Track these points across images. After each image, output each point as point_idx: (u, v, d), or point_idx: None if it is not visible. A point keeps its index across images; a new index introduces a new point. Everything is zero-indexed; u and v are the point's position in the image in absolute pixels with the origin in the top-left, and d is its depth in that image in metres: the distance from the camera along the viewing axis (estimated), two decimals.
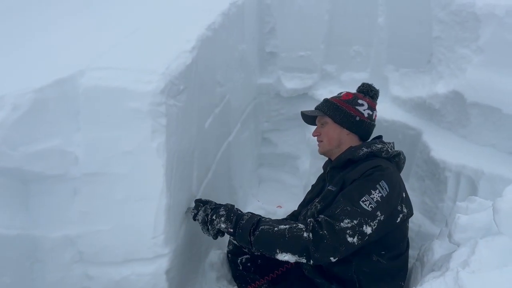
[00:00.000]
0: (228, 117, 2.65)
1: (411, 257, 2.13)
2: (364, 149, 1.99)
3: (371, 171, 1.84)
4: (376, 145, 2.01)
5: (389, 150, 2.01)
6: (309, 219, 1.82)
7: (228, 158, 2.74)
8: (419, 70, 2.93)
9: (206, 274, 2.33)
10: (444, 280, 1.50)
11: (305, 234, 1.73)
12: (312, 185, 2.37)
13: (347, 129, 2.10)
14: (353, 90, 2.28)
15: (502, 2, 2.21)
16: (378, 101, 2.25)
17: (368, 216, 1.73)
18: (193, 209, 2.00)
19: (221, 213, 1.90)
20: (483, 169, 2.31)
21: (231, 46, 2.54)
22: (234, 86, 2.67)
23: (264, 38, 3.26)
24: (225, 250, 2.52)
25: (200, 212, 1.95)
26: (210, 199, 2.04)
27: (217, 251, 2.49)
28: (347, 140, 2.11)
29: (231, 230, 1.86)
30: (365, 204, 1.74)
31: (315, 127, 2.27)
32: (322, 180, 2.27)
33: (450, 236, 1.76)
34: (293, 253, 1.74)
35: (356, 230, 1.71)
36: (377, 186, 1.78)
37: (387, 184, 1.79)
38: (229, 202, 2.02)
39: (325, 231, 1.71)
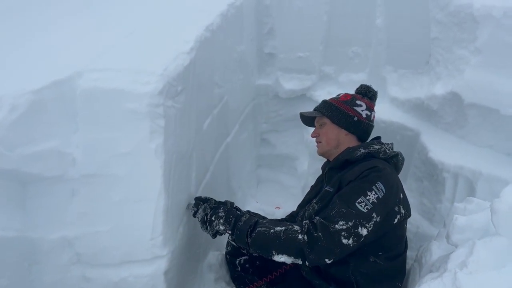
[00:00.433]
0: (227, 118, 2.65)
1: (409, 258, 2.13)
2: (362, 149, 1.99)
3: (367, 172, 1.84)
4: (374, 145, 2.01)
5: (387, 151, 2.00)
6: (304, 221, 1.82)
7: (227, 159, 2.74)
8: (417, 71, 2.94)
9: (204, 276, 2.33)
10: (442, 281, 1.51)
11: (300, 236, 1.74)
12: (311, 186, 2.37)
13: (345, 129, 2.11)
14: (352, 91, 2.28)
15: (499, 3, 2.21)
16: (376, 102, 2.26)
17: (363, 218, 1.73)
18: (193, 207, 2.02)
19: (220, 214, 1.92)
20: (481, 170, 2.31)
21: (230, 47, 2.54)
22: (233, 87, 2.67)
23: (263, 39, 3.27)
24: (224, 251, 2.52)
25: (200, 211, 1.98)
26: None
27: (215, 252, 2.49)
28: (346, 140, 2.12)
29: (230, 232, 1.89)
30: (361, 206, 1.74)
31: (314, 128, 2.28)
32: (320, 181, 2.27)
33: (448, 237, 1.76)
34: (289, 255, 1.76)
35: (351, 232, 1.71)
36: (373, 187, 1.78)
37: (383, 185, 1.79)
38: None
39: (320, 233, 1.71)
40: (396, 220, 1.84)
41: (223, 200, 2.07)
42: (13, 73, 1.64)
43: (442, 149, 2.56)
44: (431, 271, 1.78)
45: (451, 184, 2.45)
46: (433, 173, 2.57)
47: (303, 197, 2.37)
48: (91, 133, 1.59)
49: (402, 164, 2.12)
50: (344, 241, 1.70)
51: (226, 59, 2.49)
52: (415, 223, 2.62)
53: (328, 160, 2.22)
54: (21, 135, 1.47)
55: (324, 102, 2.21)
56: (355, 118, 2.10)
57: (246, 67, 2.98)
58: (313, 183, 2.40)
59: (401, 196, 1.88)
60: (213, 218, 1.92)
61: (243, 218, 1.90)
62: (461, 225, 1.72)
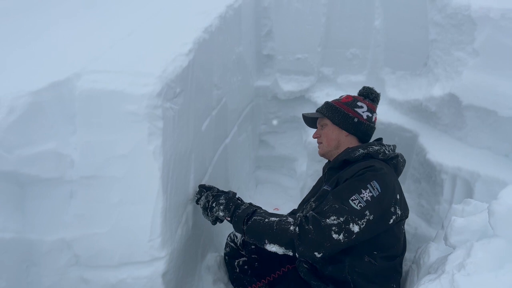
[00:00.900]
0: (225, 120, 2.65)
1: (407, 259, 2.13)
2: (361, 150, 2.01)
3: (363, 171, 1.86)
4: (373, 146, 2.02)
5: (386, 152, 2.01)
6: (298, 214, 1.85)
7: (225, 160, 2.74)
8: (416, 72, 2.94)
9: (202, 277, 2.33)
10: (440, 283, 1.51)
11: (291, 228, 1.78)
12: (313, 186, 2.38)
13: (345, 130, 2.13)
14: (351, 92, 2.30)
15: (497, 5, 2.21)
16: None
17: (355, 215, 1.74)
18: (196, 194, 2.09)
19: (221, 201, 1.99)
20: (479, 171, 2.32)
21: (228, 49, 2.54)
22: (231, 89, 2.67)
23: (261, 41, 3.27)
24: (222, 253, 2.52)
25: (203, 198, 2.05)
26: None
27: (214, 254, 2.49)
28: (346, 141, 2.14)
29: (228, 219, 1.96)
30: (354, 203, 1.76)
31: (313, 130, 2.29)
32: (320, 181, 2.28)
33: (446, 238, 1.76)
34: (280, 245, 1.80)
35: (342, 228, 1.72)
36: (368, 185, 1.79)
37: (379, 185, 1.80)
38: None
39: (311, 226, 1.74)
40: (391, 221, 1.84)
41: (226, 190, 2.12)
42: (11, 74, 1.63)
43: (440, 150, 2.57)
44: (429, 273, 1.78)
45: (449, 185, 2.45)
46: (431, 174, 2.58)
47: (302, 198, 2.38)
48: (89, 135, 1.59)
49: (403, 166, 2.14)
50: (335, 236, 1.72)
51: (225, 60, 2.49)
52: (413, 225, 2.63)
53: (329, 161, 2.23)
54: (19, 136, 1.47)
55: (326, 103, 2.23)
56: (355, 119, 2.11)
57: (245, 69, 2.98)
58: (311, 185, 2.41)
59: (398, 197, 1.88)
60: (214, 205, 1.99)
61: (242, 207, 1.96)
62: (459, 227, 1.72)
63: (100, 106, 1.57)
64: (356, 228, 1.74)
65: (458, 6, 2.39)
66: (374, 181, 1.80)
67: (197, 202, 2.09)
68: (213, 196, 2.03)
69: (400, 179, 2.06)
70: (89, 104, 1.57)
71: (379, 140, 2.16)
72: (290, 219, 1.82)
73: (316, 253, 1.75)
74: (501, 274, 1.44)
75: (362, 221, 1.74)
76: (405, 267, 2.08)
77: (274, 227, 1.81)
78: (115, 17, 2.29)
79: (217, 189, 2.11)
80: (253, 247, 2.34)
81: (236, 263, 2.38)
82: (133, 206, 1.66)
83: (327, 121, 2.18)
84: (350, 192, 1.79)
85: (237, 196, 2.09)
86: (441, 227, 2.06)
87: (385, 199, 1.81)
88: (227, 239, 2.46)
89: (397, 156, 2.07)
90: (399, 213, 1.87)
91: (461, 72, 2.40)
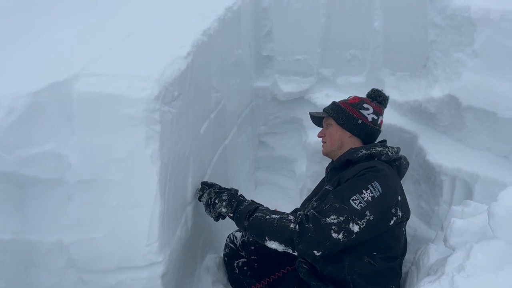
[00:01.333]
0: (224, 122, 2.64)
1: (406, 261, 2.13)
2: (364, 151, 2.01)
3: (364, 171, 1.86)
4: (376, 147, 2.03)
5: (389, 154, 2.02)
6: (299, 212, 1.86)
7: (225, 161, 2.74)
8: (415, 74, 2.94)
9: (202, 278, 2.33)
10: (440, 284, 1.51)
11: (291, 225, 1.79)
12: (315, 186, 2.39)
13: (349, 131, 2.15)
14: (353, 93, 2.31)
15: (497, 6, 2.21)
16: None
17: (355, 215, 1.75)
18: (199, 191, 2.12)
19: (223, 197, 2.02)
20: (478, 172, 2.31)
21: (227, 51, 2.54)
22: (230, 91, 2.67)
23: (261, 42, 3.27)
24: (221, 254, 2.52)
25: (205, 194, 2.08)
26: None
27: (213, 255, 2.49)
28: (349, 142, 2.15)
29: (231, 215, 1.98)
30: (355, 203, 1.76)
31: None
32: (323, 181, 2.29)
33: (445, 240, 1.76)
34: (280, 242, 1.81)
35: (342, 227, 1.73)
36: (369, 186, 1.80)
37: (380, 185, 1.81)
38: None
39: (311, 224, 1.75)
40: (392, 222, 1.84)
41: (228, 187, 2.14)
42: (11, 74, 1.63)
43: (440, 151, 2.57)
44: (428, 274, 1.78)
45: (449, 186, 2.45)
46: (430, 175, 2.57)
47: (302, 198, 2.38)
48: (86, 138, 1.59)
49: (406, 168, 2.14)
50: (334, 235, 1.72)
51: (224, 63, 2.49)
52: (413, 226, 2.62)
53: (332, 161, 2.24)
54: (18, 137, 1.47)
55: (333, 103, 2.25)
56: (359, 121, 2.13)
57: (244, 70, 2.98)
58: (311, 185, 2.42)
59: (399, 199, 1.89)
60: (216, 201, 2.02)
61: (245, 203, 1.99)
62: (458, 228, 1.72)
63: (97, 109, 1.57)
64: (356, 228, 1.74)
65: (457, 8, 2.38)
66: (375, 182, 1.81)
67: (200, 199, 2.11)
68: (215, 193, 2.06)
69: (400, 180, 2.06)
70: (86, 107, 1.57)
71: (383, 142, 2.17)
72: (291, 217, 1.83)
73: (315, 252, 1.76)
74: (501, 275, 1.44)
75: (362, 221, 1.75)
76: (404, 269, 2.08)
77: (274, 224, 1.82)
78: (114, 19, 2.29)
79: (219, 186, 2.14)
80: (252, 248, 2.34)
81: (235, 264, 2.38)
82: (130, 210, 1.66)
83: (332, 121, 2.21)
84: (351, 192, 1.80)
85: (239, 193, 2.10)
86: (441, 229, 2.06)
87: (386, 200, 1.81)
88: (226, 240, 2.46)
89: (400, 158, 2.07)
90: (400, 215, 1.87)
91: (461, 74, 2.40)
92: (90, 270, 1.71)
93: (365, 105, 2.16)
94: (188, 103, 1.92)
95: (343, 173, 1.97)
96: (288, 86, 3.38)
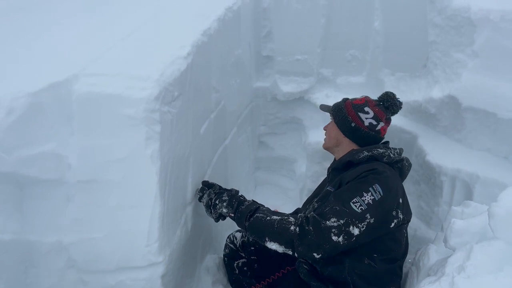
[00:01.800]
0: (224, 122, 2.64)
1: (406, 261, 2.12)
2: (365, 152, 2.00)
3: (366, 173, 1.85)
4: (378, 149, 2.01)
5: (391, 155, 2.00)
6: (299, 214, 1.86)
7: (225, 162, 2.74)
8: (415, 74, 2.94)
9: (201, 279, 2.33)
10: (440, 285, 1.51)
11: (292, 228, 1.79)
12: (317, 187, 2.38)
13: (342, 132, 2.12)
14: (349, 94, 2.29)
15: (496, 7, 2.21)
16: None
17: (356, 218, 1.74)
18: (198, 192, 2.12)
19: (224, 198, 2.02)
20: (478, 173, 2.32)
21: (227, 51, 2.54)
22: (230, 91, 2.67)
23: (261, 42, 3.27)
24: (221, 254, 2.52)
25: (205, 195, 2.07)
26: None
27: (213, 255, 2.49)
28: (345, 142, 2.13)
29: (232, 215, 1.98)
30: (355, 206, 1.76)
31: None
32: (325, 182, 2.28)
33: (445, 241, 1.76)
34: (280, 244, 1.82)
35: (342, 230, 1.73)
36: (370, 189, 1.79)
37: (381, 188, 1.79)
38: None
39: (311, 227, 1.75)
40: (393, 224, 1.84)
41: (228, 188, 2.15)
42: (11, 75, 1.63)
43: (440, 152, 2.57)
44: (428, 275, 1.78)
45: (449, 187, 2.45)
46: (430, 176, 2.58)
47: (302, 199, 2.38)
48: (86, 139, 1.59)
49: (408, 170, 2.11)
50: (334, 238, 1.72)
51: (224, 63, 2.49)
52: (413, 226, 2.62)
53: (334, 160, 2.23)
54: (18, 137, 1.47)
55: (341, 100, 2.20)
56: (353, 124, 2.06)
57: (244, 70, 2.98)
58: (311, 186, 2.41)
59: (400, 201, 1.87)
60: (217, 202, 2.02)
61: (246, 203, 1.99)
62: (458, 229, 1.72)
63: (97, 109, 1.57)
64: (356, 231, 1.74)
65: (457, 8, 2.39)
66: (376, 184, 1.80)
67: (200, 199, 2.11)
68: (215, 193, 2.06)
69: None
70: (86, 107, 1.57)
71: (386, 143, 2.13)
72: (291, 219, 1.83)
73: (315, 254, 1.76)
74: (501, 276, 1.44)
75: (362, 224, 1.74)
76: (404, 269, 2.08)
77: (275, 226, 1.82)
78: (114, 19, 2.29)
79: (219, 186, 2.14)
80: (252, 248, 2.34)
81: (235, 264, 2.38)
82: (130, 210, 1.65)
83: (332, 118, 2.20)
84: (351, 195, 1.79)
85: (240, 194, 2.10)
86: (441, 229, 2.05)
87: (387, 203, 1.81)
88: (226, 241, 2.46)
89: (402, 160, 2.05)
90: (401, 217, 1.86)
91: (461, 74, 2.40)
92: (90, 271, 1.71)
93: (366, 109, 2.07)
94: (188, 103, 1.92)
95: (344, 175, 1.97)
96: (288, 86, 3.38)
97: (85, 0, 2.60)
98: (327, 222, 1.74)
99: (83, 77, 1.60)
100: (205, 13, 2.32)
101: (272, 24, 3.20)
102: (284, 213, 1.93)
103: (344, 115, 2.10)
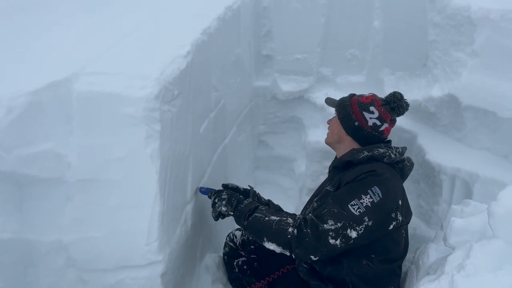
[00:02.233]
0: (224, 121, 2.64)
1: (406, 260, 2.12)
2: (366, 152, 1.96)
3: (364, 175, 1.82)
4: (379, 149, 1.96)
5: (392, 156, 1.95)
6: (298, 216, 1.86)
7: (224, 161, 2.74)
8: (415, 73, 2.95)
9: (201, 278, 2.33)
10: (439, 284, 1.51)
11: (290, 229, 1.78)
12: (319, 185, 2.37)
13: (344, 130, 2.07)
14: (348, 93, 2.28)
15: (496, 6, 2.21)
16: None
17: (354, 220, 1.73)
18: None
19: (223, 196, 2.02)
20: (478, 172, 2.32)
21: (227, 50, 2.54)
22: (230, 90, 2.67)
23: (261, 41, 3.27)
24: (221, 253, 2.52)
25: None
26: (205, 202, 2.07)
27: (212, 254, 2.49)
28: (347, 140, 2.08)
29: (231, 213, 1.98)
30: (353, 208, 1.73)
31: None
32: (326, 180, 2.27)
33: (445, 239, 1.76)
34: (278, 244, 1.81)
35: (340, 233, 1.72)
36: (369, 191, 1.76)
37: (380, 190, 1.77)
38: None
39: (309, 230, 1.74)
40: (391, 226, 1.82)
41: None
42: (10, 74, 1.63)
43: (439, 151, 2.57)
44: (428, 274, 1.78)
45: (448, 186, 2.46)
46: (430, 175, 2.58)
47: (301, 198, 2.37)
48: (86, 138, 1.59)
49: (410, 169, 2.07)
50: (331, 241, 1.71)
51: (224, 62, 2.48)
52: (413, 225, 2.62)
53: (335, 158, 2.21)
54: (18, 136, 1.47)
55: (348, 95, 2.14)
56: (356, 123, 2.02)
57: (244, 69, 2.98)
58: (310, 185, 2.41)
59: (400, 203, 1.85)
60: (216, 200, 2.03)
61: (245, 201, 1.98)
62: (458, 228, 1.72)
63: (97, 108, 1.56)
64: (353, 234, 1.73)
65: (457, 7, 2.39)
66: (375, 187, 1.77)
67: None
68: (216, 192, 2.08)
69: None
70: (86, 106, 1.57)
71: (388, 142, 2.07)
72: (290, 220, 1.82)
73: (312, 257, 1.76)
74: (501, 275, 1.44)
75: (360, 227, 1.73)
76: (404, 268, 2.08)
77: (273, 227, 1.81)
78: (114, 19, 2.28)
79: (237, 186, 2.21)
80: (252, 247, 2.34)
81: (235, 263, 2.38)
82: (130, 209, 1.65)
83: (336, 114, 2.15)
84: (349, 197, 1.77)
85: (257, 193, 2.17)
86: (440, 228, 2.06)
87: (386, 205, 1.79)
88: (226, 239, 2.46)
89: (403, 160, 2.00)
90: (400, 219, 1.85)
91: (461, 73, 2.40)
92: (89, 270, 1.71)
93: (371, 108, 2.00)
94: (188, 102, 1.92)
95: (343, 174, 1.95)
96: (287, 86, 3.38)
97: (85, 0, 2.60)
98: (325, 225, 1.72)
99: (83, 76, 1.60)
100: (205, 12, 2.32)
101: (272, 23, 3.20)
102: (283, 214, 1.92)
103: (349, 112, 2.04)
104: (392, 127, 2.09)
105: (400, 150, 2.05)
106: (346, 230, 1.72)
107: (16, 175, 1.50)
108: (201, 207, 2.23)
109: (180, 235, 1.98)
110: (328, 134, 2.20)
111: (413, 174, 2.74)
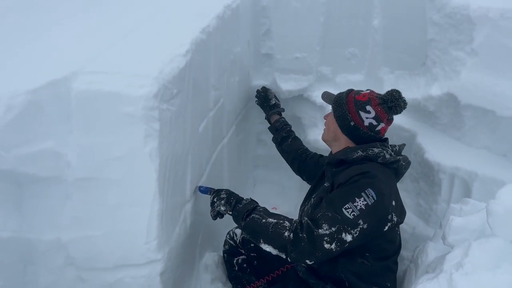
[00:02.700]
0: (223, 120, 2.64)
1: (405, 258, 2.13)
2: (360, 152, 1.93)
3: (357, 177, 1.80)
4: (373, 149, 1.92)
5: (387, 156, 1.92)
6: (294, 220, 1.85)
7: (223, 160, 2.74)
8: (414, 72, 2.94)
9: (200, 276, 2.33)
10: (438, 282, 1.52)
11: (286, 233, 1.77)
12: (316, 180, 2.36)
13: (340, 128, 2.04)
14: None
15: (496, 5, 2.22)
16: None
17: (348, 224, 1.71)
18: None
19: (222, 196, 2.02)
20: (477, 171, 2.32)
21: (226, 49, 2.54)
22: (229, 89, 2.67)
23: (260, 40, 3.26)
24: (220, 252, 2.52)
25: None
26: (204, 201, 2.07)
27: (212, 253, 2.50)
28: (342, 138, 2.05)
29: (230, 213, 1.98)
30: (347, 212, 1.72)
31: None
32: (319, 177, 2.26)
33: (444, 238, 1.77)
34: (274, 247, 1.81)
35: (334, 238, 1.71)
36: (363, 194, 1.74)
37: (374, 192, 1.74)
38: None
39: (304, 235, 1.73)
40: (386, 228, 1.81)
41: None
42: (10, 73, 1.63)
43: (439, 150, 2.57)
44: (427, 272, 1.79)
45: (447, 185, 2.46)
46: (429, 174, 2.58)
47: (300, 197, 2.37)
48: (85, 137, 1.59)
49: (406, 168, 2.04)
50: (327, 246, 1.71)
51: (223, 61, 2.48)
52: (411, 224, 2.63)
53: (330, 153, 2.19)
54: (17, 135, 1.47)
55: (346, 91, 2.09)
56: (352, 123, 1.98)
57: (243, 68, 2.98)
58: (309, 184, 2.40)
59: (394, 204, 1.83)
60: (215, 200, 2.04)
61: (244, 201, 1.98)
62: (457, 226, 1.73)
63: (96, 107, 1.56)
64: (348, 237, 1.72)
65: (457, 6, 2.39)
66: (369, 189, 1.75)
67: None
68: (215, 191, 2.08)
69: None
70: (85, 105, 1.57)
71: (384, 141, 2.04)
72: (287, 223, 1.82)
73: (307, 261, 1.75)
74: (499, 273, 1.45)
75: (355, 230, 1.72)
76: (403, 266, 2.08)
77: (270, 229, 1.81)
78: (113, 18, 2.28)
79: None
80: (252, 245, 2.34)
81: (235, 261, 2.39)
82: (129, 208, 1.65)
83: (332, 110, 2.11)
84: (343, 201, 1.75)
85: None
86: (439, 227, 2.06)
87: (380, 207, 1.77)
88: (226, 237, 2.46)
89: (398, 160, 1.96)
90: (395, 220, 1.84)
91: (460, 72, 2.41)
92: (88, 268, 1.71)
93: (368, 107, 1.95)
94: (187, 101, 1.92)
95: (337, 172, 1.94)
96: (287, 84, 3.37)
97: (85, 0, 2.60)
98: (320, 230, 1.71)
99: (82, 75, 1.60)
100: (204, 11, 2.32)
101: (271, 22, 3.19)
102: (280, 216, 1.90)
103: (345, 112, 1.99)
104: (389, 125, 2.04)
105: (397, 149, 2.01)
106: (341, 234, 1.71)
107: (15, 174, 1.50)
108: (200, 206, 2.24)
109: (179, 234, 1.98)
110: (324, 130, 2.17)
111: (412, 173, 2.75)
